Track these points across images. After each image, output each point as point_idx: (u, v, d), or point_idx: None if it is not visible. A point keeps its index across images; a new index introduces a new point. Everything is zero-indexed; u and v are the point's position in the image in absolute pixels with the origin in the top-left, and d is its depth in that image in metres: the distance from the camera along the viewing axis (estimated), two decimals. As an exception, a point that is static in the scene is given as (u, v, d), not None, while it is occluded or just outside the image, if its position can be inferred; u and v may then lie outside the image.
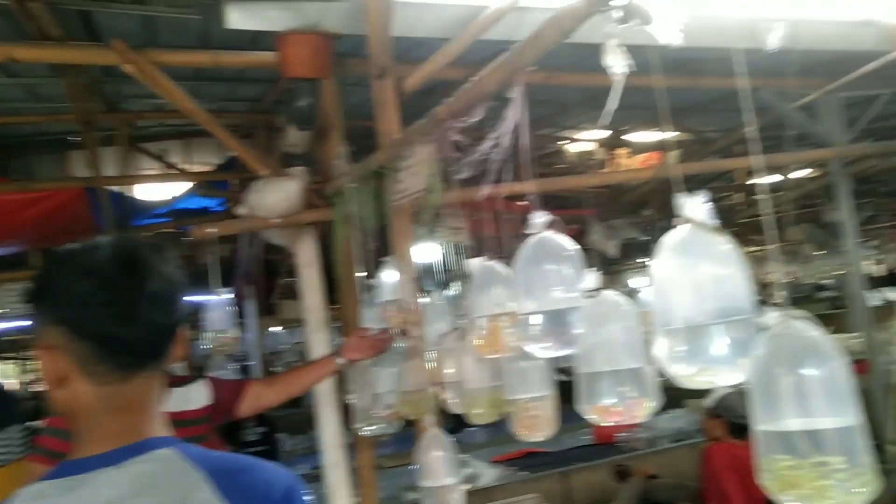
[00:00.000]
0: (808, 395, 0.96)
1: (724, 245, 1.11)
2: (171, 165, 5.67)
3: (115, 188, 5.31)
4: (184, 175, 5.70)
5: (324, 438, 3.28)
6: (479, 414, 2.00)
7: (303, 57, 2.75)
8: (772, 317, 0.99)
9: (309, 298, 3.29)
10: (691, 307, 1.08)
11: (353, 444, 3.38)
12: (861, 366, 5.16)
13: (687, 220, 1.13)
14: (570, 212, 6.13)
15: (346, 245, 2.95)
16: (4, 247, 5.54)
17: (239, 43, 3.17)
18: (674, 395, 5.45)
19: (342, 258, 3.07)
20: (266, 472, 1.03)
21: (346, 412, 3.02)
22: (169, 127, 5.51)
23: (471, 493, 4.09)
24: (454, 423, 6.51)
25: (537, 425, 1.72)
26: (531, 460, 5.14)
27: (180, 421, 2.45)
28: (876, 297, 10.99)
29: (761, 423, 1.02)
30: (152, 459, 0.96)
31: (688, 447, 5.02)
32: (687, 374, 1.10)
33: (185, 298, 1.08)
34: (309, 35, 2.74)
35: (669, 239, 1.14)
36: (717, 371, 1.07)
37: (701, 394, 4.21)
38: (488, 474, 4.74)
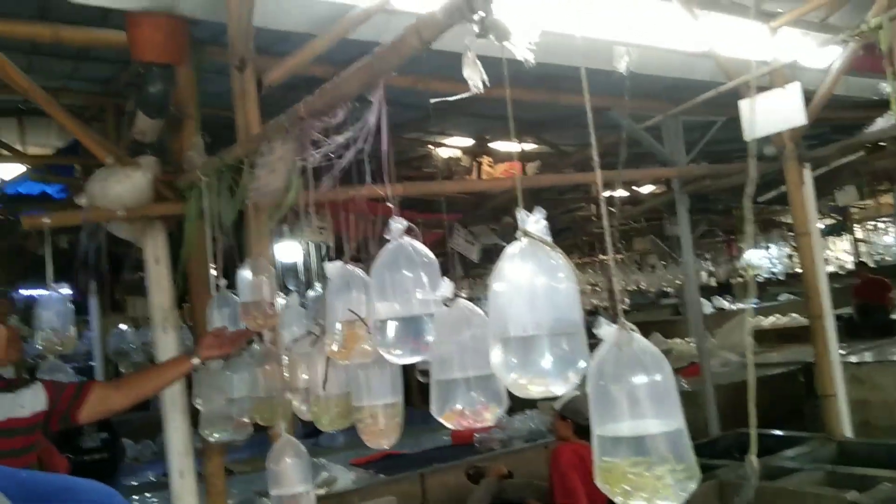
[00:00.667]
0: (638, 402, 1.02)
1: (558, 260, 1.16)
2: (5, 146, 5.14)
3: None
4: (18, 157, 5.18)
5: (170, 444, 3.09)
6: (329, 422, 1.96)
7: (155, 40, 2.58)
8: (607, 329, 1.04)
9: (156, 296, 3.09)
10: (525, 318, 1.12)
11: (202, 450, 3.22)
12: (693, 369, 5.64)
13: (525, 234, 1.17)
14: (435, 216, 6.21)
15: (198, 241, 2.80)
16: None
17: (87, 18, 2.92)
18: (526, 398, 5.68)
19: (193, 255, 2.91)
20: (82, 494, 0.92)
21: (196, 416, 2.87)
22: (1, 102, 4.99)
23: (328, 497, 4.06)
24: (312, 427, 6.39)
25: (383, 433, 1.71)
26: (390, 462, 5.14)
27: (8, 430, 2.21)
28: (709, 305, 12.06)
29: (598, 428, 1.07)
30: None
31: (540, 447, 5.23)
32: (520, 383, 1.14)
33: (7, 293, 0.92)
34: (163, 17, 2.58)
35: (508, 251, 1.18)
36: (547, 381, 1.11)
37: (552, 396, 4.41)
38: (346, 477, 4.68)
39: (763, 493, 4.03)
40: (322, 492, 4.10)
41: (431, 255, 1.54)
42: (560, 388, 1.13)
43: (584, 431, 3.80)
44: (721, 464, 4.42)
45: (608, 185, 7.40)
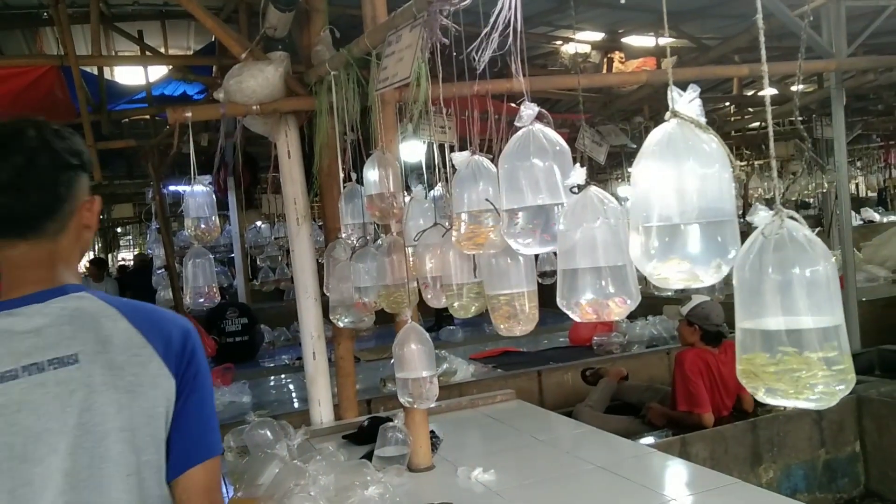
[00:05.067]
0: (794, 295, 0.94)
1: (711, 144, 1.06)
2: (148, 48, 5.41)
3: (91, 69, 5.09)
4: (161, 58, 5.45)
5: (304, 328, 3.30)
6: (461, 308, 1.99)
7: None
8: (762, 215, 0.96)
9: (290, 190, 3.22)
10: (670, 205, 1.04)
11: (332, 337, 3.42)
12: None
13: (676, 115, 1.08)
14: (561, 115, 6.00)
15: (328, 136, 2.86)
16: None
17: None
18: (652, 302, 5.56)
19: (324, 150, 2.98)
20: (168, 315, 1.22)
21: (327, 306, 3.03)
22: (145, 6, 5.22)
23: (448, 387, 4.24)
24: (434, 321, 6.63)
25: (518, 319, 1.71)
26: (507, 359, 5.27)
27: None
28: (856, 217, 11.13)
29: (744, 321, 1.01)
30: (72, 298, 1.14)
31: (661, 353, 5.17)
32: (661, 273, 1.07)
33: (79, 173, 1.20)
34: None
35: (655, 134, 1.09)
36: (693, 269, 1.04)
37: (679, 301, 4.28)
38: (465, 370, 4.86)
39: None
40: (443, 382, 4.27)
41: (563, 141, 1.47)
42: (707, 279, 1.06)
43: (710, 337, 3.70)
44: (861, 379, 4.18)
45: (754, 82, 6.82)
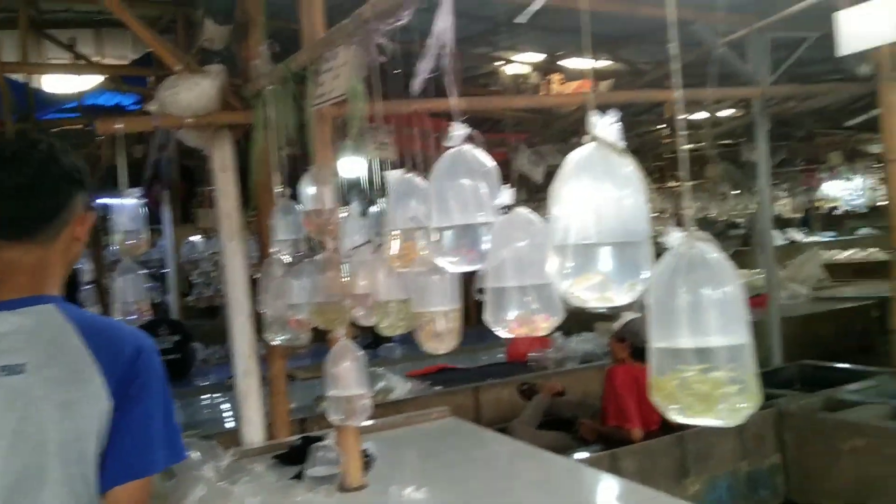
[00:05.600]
0: (702, 314, 0.98)
1: (627, 167, 1.11)
2: (81, 56, 5.26)
3: (17, 77, 4.90)
4: (94, 67, 5.30)
5: (236, 347, 3.24)
6: (389, 326, 2.00)
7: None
8: (675, 236, 1.00)
9: (224, 204, 3.16)
10: (587, 225, 1.07)
11: (266, 355, 3.36)
12: (760, 300, 5.50)
13: (594, 139, 1.12)
14: (500, 135, 6.10)
15: (264, 151, 2.83)
16: None
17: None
18: (585, 319, 5.67)
19: (260, 164, 2.95)
20: (126, 332, 1.28)
21: (260, 322, 2.99)
22: (78, 13, 5.08)
23: (384, 405, 4.21)
24: (371, 339, 6.61)
25: (441, 337, 1.73)
26: (445, 375, 5.29)
27: None
28: (781, 237, 11.63)
29: (657, 341, 1.05)
30: (38, 311, 1.23)
31: (595, 368, 5.27)
32: (576, 292, 1.10)
33: (73, 185, 1.32)
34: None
35: (574, 155, 1.13)
36: (606, 290, 1.08)
37: (611, 318, 4.39)
38: (402, 387, 4.85)
39: (823, 425, 3.98)
40: (379, 399, 4.25)
41: (492, 161, 1.50)
42: (620, 299, 1.10)
43: (640, 354, 3.79)
44: (781, 393, 4.36)
45: (686, 106, 7.09)
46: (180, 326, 6.24)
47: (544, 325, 1.35)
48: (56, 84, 6.32)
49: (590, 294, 1.08)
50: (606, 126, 1.11)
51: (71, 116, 5.78)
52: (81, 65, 5.24)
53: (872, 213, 10.48)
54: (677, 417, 1.03)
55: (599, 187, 1.07)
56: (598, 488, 2.66)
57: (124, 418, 1.20)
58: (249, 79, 2.99)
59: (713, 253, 1.01)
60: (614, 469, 3.37)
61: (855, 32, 2.98)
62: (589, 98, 3.53)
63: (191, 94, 2.87)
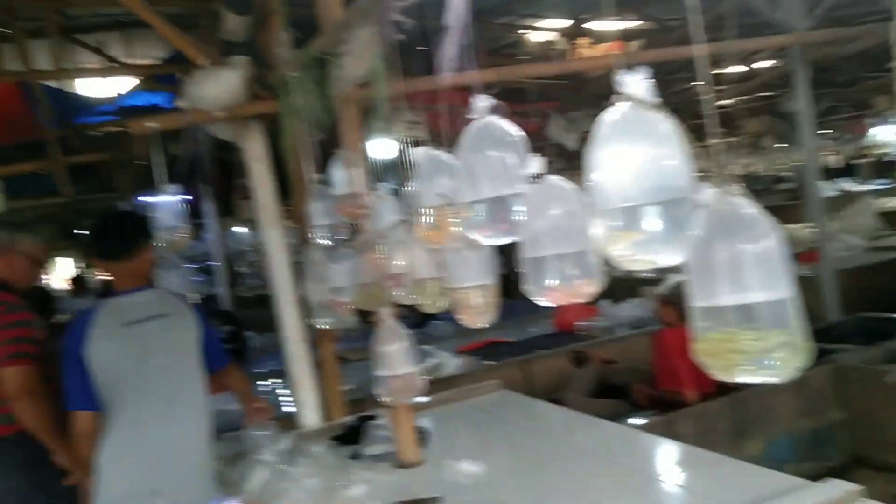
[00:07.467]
0: (741, 271, 0.95)
1: (664, 123, 1.07)
2: (110, 59, 5.35)
3: (53, 83, 5.02)
4: (125, 69, 5.39)
5: (285, 334, 3.29)
6: (429, 304, 2.00)
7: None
8: (708, 193, 0.96)
9: (260, 195, 3.20)
10: (627, 187, 1.04)
11: (316, 339, 3.41)
12: (812, 254, 5.34)
13: (627, 98, 1.08)
14: (530, 105, 6.01)
15: (294, 138, 2.84)
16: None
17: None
18: (631, 285, 5.59)
19: (291, 152, 2.96)
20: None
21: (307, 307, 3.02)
22: (105, 17, 5.16)
23: (435, 381, 4.23)
24: (420, 317, 6.65)
25: (478, 312, 1.72)
26: (494, 349, 5.29)
27: None
28: (831, 188, 11.24)
29: (698, 300, 1.02)
30: (156, 291, 2.53)
31: (645, 334, 5.20)
32: (624, 256, 1.08)
33: (145, 233, 2.55)
34: None
35: (608, 117, 1.10)
36: (653, 251, 1.05)
37: (656, 282, 4.32)
38: (452, 363, 4.87)
39: (882, 378, 3.86)
40: (430, 377, 4.27)
41: (518, 131, 1.48)
42: (668, 259, 1.07)
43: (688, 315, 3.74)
44: (839, 348, 4.23)
45: (717, 60, 6.88)
46: (233, 317, 6.37)
47: (585, 291, 1.32)
48: (91, 88, 6.47)
49: (636, 256, 1.05)
50: (637, 84, 1.07)
51: (109, 119, 5.91)
52: (111, 67, 5.33)
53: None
54: (723, 376, 1.00)
55: (637, 147, 1.04)
56: (656, 453, 2.63)
57: (207, 332, 2.53)
58: (273, 67, 3.00)
59: (748, 208, 0.97)
60: (671, 434, 3.32)
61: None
62: (617, 58, 3.45)
63: (218, 87, 2.89)
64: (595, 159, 1.13)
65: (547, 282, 1.32)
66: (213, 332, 2.56)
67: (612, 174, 1.06)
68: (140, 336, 2.34)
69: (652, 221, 1.03)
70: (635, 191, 1.05)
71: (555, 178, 1.35)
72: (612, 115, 1.11)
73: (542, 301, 1.37)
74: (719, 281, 0.96)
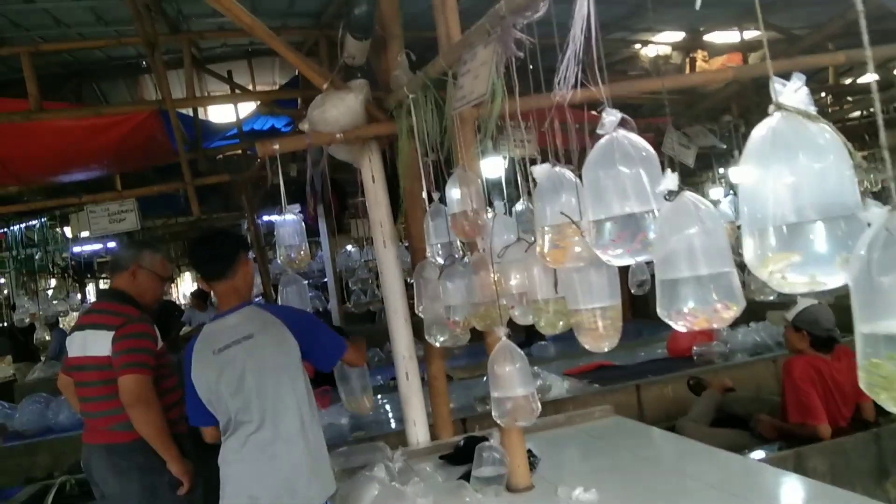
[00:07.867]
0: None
1: (824, 134, 0.98)
2: (237, 86, 5.69)
3: (186, 111, 5.38)
4: (250, 94, 5.71)
5: (396, 350, 3.33)
6: (546, 325, 1.95)
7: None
8: (875, 211, 0.88)
9: (375, 214, 3.27)
10: (784, 204, 0.97)
11: (425, 356, 3.43)
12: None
13: (780, 108, 1.00)
14: (645, 120, 5.84)
15: (410, 158, 2.89)
16: (87, 171, 5.75)
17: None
18: (754, 308, 5.28)
19: (407, 172, 3.01)
20: (289, 308, 2.85)
21: (416, 328, 3.04)
22: (232, 47, 5.49)
23: (542, 404, 4.15)
24: (525, 337, 6.57)
25: (601, 335, 1.65)
26: (603, 373, 5.13)
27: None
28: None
29: (864, 325, 0.92)
30: (248, 309, 2.57)
31: (767, 360, 4.90)
32: (779, 277, 0.99)
33: (238, 248, 2.62)
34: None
35: (759, 130, 1.02)
36: (812, 272, 0.96)
37: (783, 306, 4.05)
38: (560, 386, 4.77)
39: None
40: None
41: (649, 146, 1.42)
42: (831, 280, 0.98)
43: (821, 343, 3.47)
44: None
45: (851, 69, 6.44)
46: (342, 332, 6.52)
47: (725, 315, 1.24)
48: (218, 114, 6.89)
49: (797, 278, 0.97)
50: (792, 92, 1.00)
51: (233, 143, 6.27)
52: (238, 94, 5.65)
53: None
54: (893, 408, 0.90)
55: (794, 160, 0.96)
56: (783, 489, 2.45)
57: (308, 337, 2.54)
58: (391, 90, 3.06)
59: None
60: (801, 469, 3.09)
61: None
62: (744, 70, 3.29)
63: (337, 110, 2.98)
64: (745, 174, 1.05)
65: (683, 305, 1.25)
66: (319, 332, 2.59)
67: (766, 191, 0.99)
68: (229, 361, 2.43)
69: (813, 241, 0.95)
70: (793, 207, 0.97)
71: (691, 195, 1.28)
72: (764, 127, 1.04)
73: (678, 326, 1.29)
74: (890, 305, 0.87)
